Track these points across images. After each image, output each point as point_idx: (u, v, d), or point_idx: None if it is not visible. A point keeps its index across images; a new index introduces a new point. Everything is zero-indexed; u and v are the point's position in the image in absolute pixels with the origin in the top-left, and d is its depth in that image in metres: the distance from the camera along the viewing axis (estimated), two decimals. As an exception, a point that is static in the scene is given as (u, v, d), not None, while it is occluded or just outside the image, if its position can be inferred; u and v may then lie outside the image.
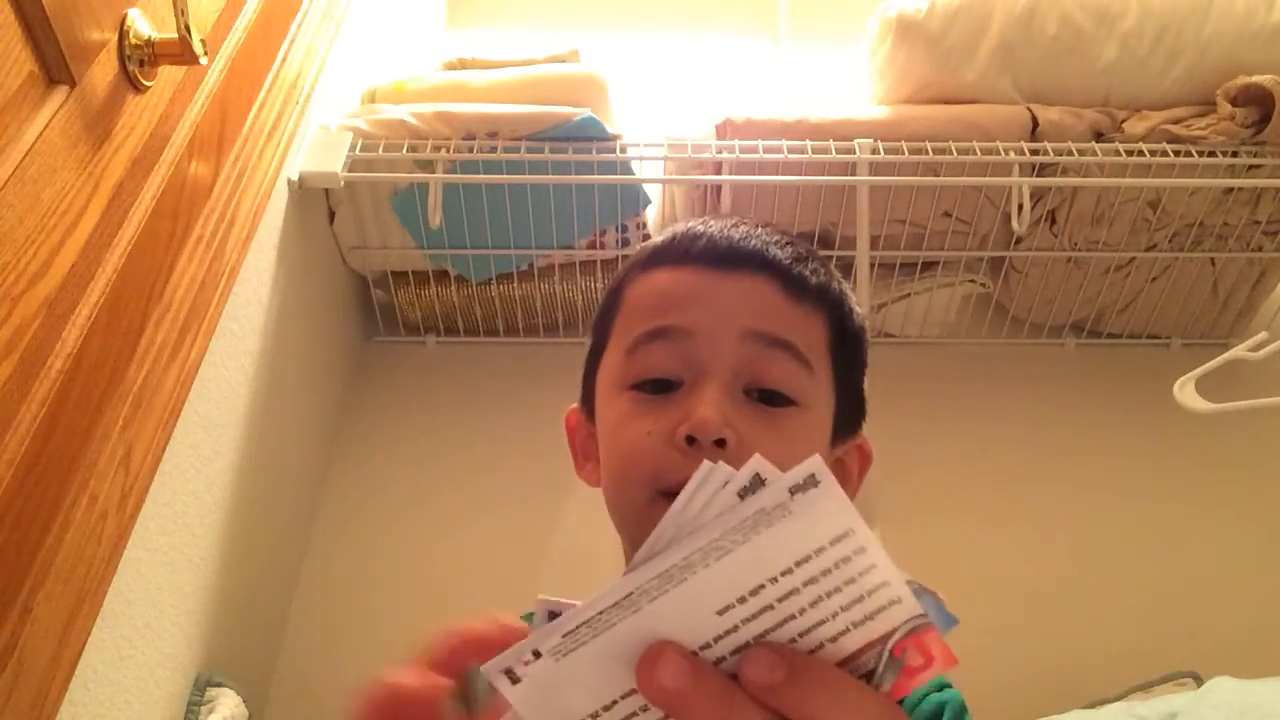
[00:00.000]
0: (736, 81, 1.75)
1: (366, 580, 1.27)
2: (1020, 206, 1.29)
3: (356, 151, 1.25)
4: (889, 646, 0.31)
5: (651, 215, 1.42)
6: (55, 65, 0.70)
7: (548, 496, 1.32)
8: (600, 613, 0.29)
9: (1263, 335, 1.08)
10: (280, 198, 1.16)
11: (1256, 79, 1.26)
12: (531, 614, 0.32)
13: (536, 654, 0.29)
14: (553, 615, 0.29)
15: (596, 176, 1.27)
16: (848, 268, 1.46)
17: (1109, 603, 1.28)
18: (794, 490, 0.29)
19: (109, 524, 0.75)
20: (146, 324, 0.82)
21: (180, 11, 0.78)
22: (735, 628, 0.30)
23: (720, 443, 0.53)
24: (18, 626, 0.65)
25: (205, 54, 0.81)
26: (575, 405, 0.68)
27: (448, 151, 1.26)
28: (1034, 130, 1.31)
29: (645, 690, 0.29)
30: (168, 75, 0.86)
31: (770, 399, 0.57)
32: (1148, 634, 1.24)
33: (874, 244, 1.36)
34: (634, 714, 0.30)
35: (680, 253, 0.61)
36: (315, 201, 1.30)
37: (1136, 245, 1.41)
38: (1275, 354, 1.05)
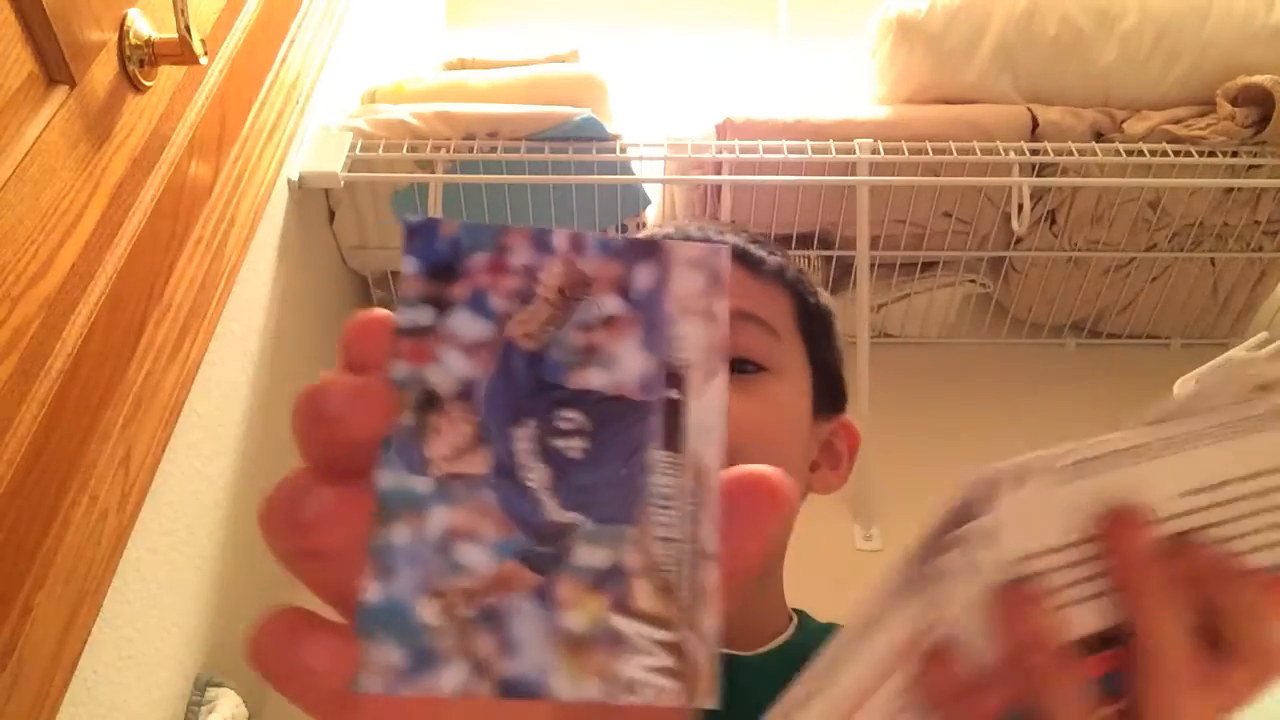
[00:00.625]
0: (737, 80, 1.75)
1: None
2: (1020, 206, 1.29)
3: (356, 151, 1.25)
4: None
5: (651, 215, 1.42)
6: (55, 65, 0.70)
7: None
8: (1114, 452, 0.29)
9: (1263, 335, 1.08)
10: (280, 198, 1.16)
11: (1256, 79, 1.26)
12: None
13: (1048, 469, 0.29)
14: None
15: (596, 176, 1.27)
16: (848, 268, 1.46)
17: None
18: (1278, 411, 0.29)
19: (109, 524, 0.75)
20: (146, 324, 0.82)
21: (180, 11, 0.78)
22: (1184, 513, 0.30)
23: None
24: (18, 626, 0.65)
25: (205, 54, 0.81)
26: None
27: (448, 151, 1.26)
28: (1034, 130, 1.31)
29: (1114, 545, 0.30)
30: (168, 75, 0.86)
31: (740, 368, 0.58)
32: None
33: (874, 244, 1.36)
34: (1069, 565, 0.30)
35: None
36: (315, 201, 1.30)
37: (1136, 245, 1.41)
38: (1275, 354, 1.05)
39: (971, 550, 0.29)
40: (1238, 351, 1.07)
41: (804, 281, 0.64)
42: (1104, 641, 0.32)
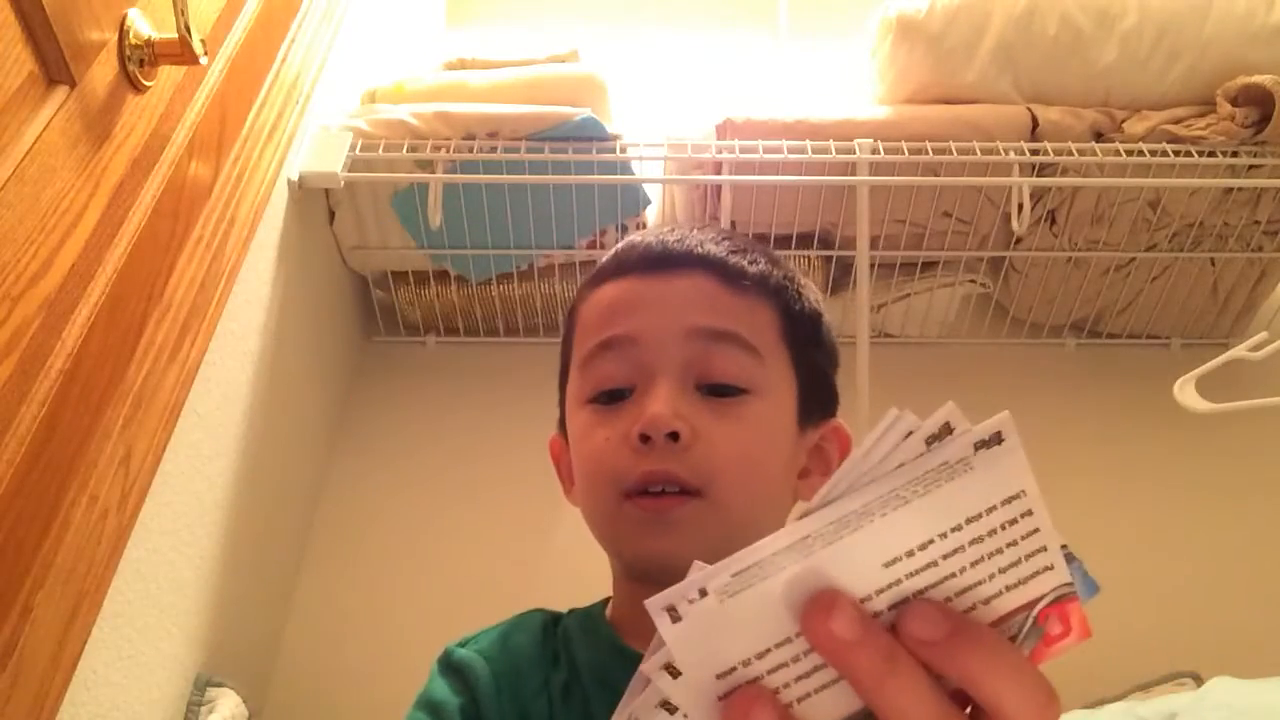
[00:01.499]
0: (737, 80, 1.75)
1: (366, 580, 1.27)
2: (1020, 206, 1.29)
3: (356, 151, 1.25)
4: (1034, 612, 0.31)
5: (651, 215, 1.42)
6: (55, 65, 0.70)
7: (548, 496, 1.31)
8: (773, 554, 0.28)
9: (1263, 335, 1.08)
10: (280, 198, 1.16)
11: (1256, 79, 1.26)
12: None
13: (703, 592, 0.29)
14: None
15: (596, 176, 1.27)
16: (848, 268, 1.46)
17: (1109, 602, 1.26)
18: (979, 445, 0.28)
19: (109, 524, 0.75)
20: (146, 324, 0.82)
21: (180, 11, 0.78)
22: (898, 581, 0.29)
23: (674, 436, 0.54)
24: (18, 626, 0.65)
25: (205, 54, 0.81)
26: (556, 433, 0.69)
27: (448, 151, 1.26)
28: (1034, 130, 1.31)
29: (813, 637, 0.29)
30: (168, 75, 0.86)
31: (722, 391, 0.57)
32: (1148, 634, 1.24)
33: (874, 244, 1.36)
34: (784, 664, 0.30)
35: (619, 265, 0.63)
36: (315, 201, 1.30)
37: (1136, 245, 1.41)
38: (1275, 354, 1.05)
39: (658, 687, 0.29)
40: (1238, 351, 1.07)
41: (789, 288, 0.63)
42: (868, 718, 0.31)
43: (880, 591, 0.29)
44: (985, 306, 1.53)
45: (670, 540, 0.55)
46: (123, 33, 0.78)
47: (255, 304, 1.09)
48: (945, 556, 0.29)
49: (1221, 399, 1.01)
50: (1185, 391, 1.04)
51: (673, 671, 0.29)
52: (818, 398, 0.64)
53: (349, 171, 1.23)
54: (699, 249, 0.61)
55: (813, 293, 0.66)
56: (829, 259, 1.43)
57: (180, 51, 0.81)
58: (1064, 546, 0.31)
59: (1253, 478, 1.39)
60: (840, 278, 1.47)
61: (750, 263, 0.61)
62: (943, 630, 0.29)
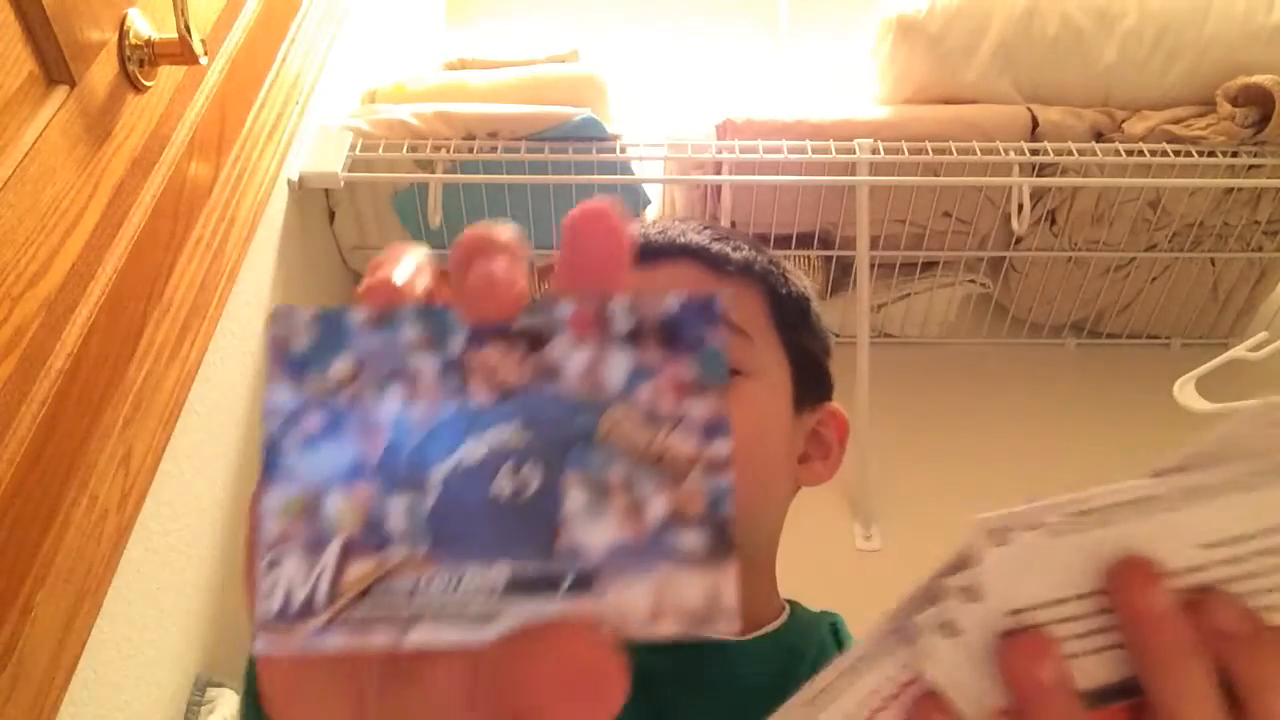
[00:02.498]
0: (737, 80, 1.74)
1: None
2: (1020, 206, 1.29)
3: (356, 151, 1.25)
4: None
5: (651, 215, 1.42)
6: (55, 65, 0.70)
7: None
8: (1116, 504, 0.28)
9: (1263, 335, 1.08)
10: (280, 198, 1.16)
11: (1256, 79, 1.26)
12: None
13: (1037, 524, 0.28)
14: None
15: (596, 176, 1.27)
16: (848, 268, 1.46)
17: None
18: None
19: (109, 524, 0.75)
20: (146, 324, 0.82)
21: (180, 11, 0.78)
22: (1206, 566, 0.29)
23: None
24: (18, 626, 0.65)
25: (205, 54, 0.81)
26: None
27: (448, 151, 1.26)
28: (1034, 130, 1.31)
29: (1125, 601, 0.28)
30: (168, 75, 0.86)
31: None
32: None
33: (874, 244, 1.36)
34: (1072, 618, 0.29)
35: None
36: (315, 201, 1.30)
37: (1136, 245, 1.41)
38: (1275, 354, 1.05)
39: (950, 606, 0.29)
40: (1238, 351, 1.07)
41: (774, 272, 0.63)
42: (1119, 692, 0.30)
43: (1188, 571, 0.29)
44: (985, 306, 1.53)
45: None
46: (123, 33, 0.78)
47: (255, 304, 1.09)
48: (1258, 554, 0.29)
49: (1221, 399, 1.01)
50: (1185, 391, 1.04)
51: (972, 595, 0.28)
52: (812, 381, 0.63)
53: (349, 171, 1.23)
54: (681, 239, 0.61)
55: (799, 278, 0.65)
56: (829, 259, 1.43)
57: (180, 51, 0.81)
58: None
59: (1253, 478, 1.39)
60: (840, 278, 1.47)
61: (734, 249, 0.61)
62: (1248, 628, 0.29)
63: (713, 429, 0.22)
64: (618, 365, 0.22)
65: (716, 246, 0.61)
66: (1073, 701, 0.29)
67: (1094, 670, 0.30)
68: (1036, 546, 0.28)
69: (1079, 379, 1.52)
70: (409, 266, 0.24)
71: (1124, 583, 0.28)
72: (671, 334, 0.22)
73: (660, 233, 0.62)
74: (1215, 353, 1.08)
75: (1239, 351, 1.06)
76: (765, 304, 0.61)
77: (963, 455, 1.42)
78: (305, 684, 0.24)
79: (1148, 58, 1.31)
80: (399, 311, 0.23)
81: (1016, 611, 0.29)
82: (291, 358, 0.22)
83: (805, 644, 0.59)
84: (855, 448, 1.35)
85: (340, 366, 0.22)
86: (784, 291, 0.62)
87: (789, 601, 0.63)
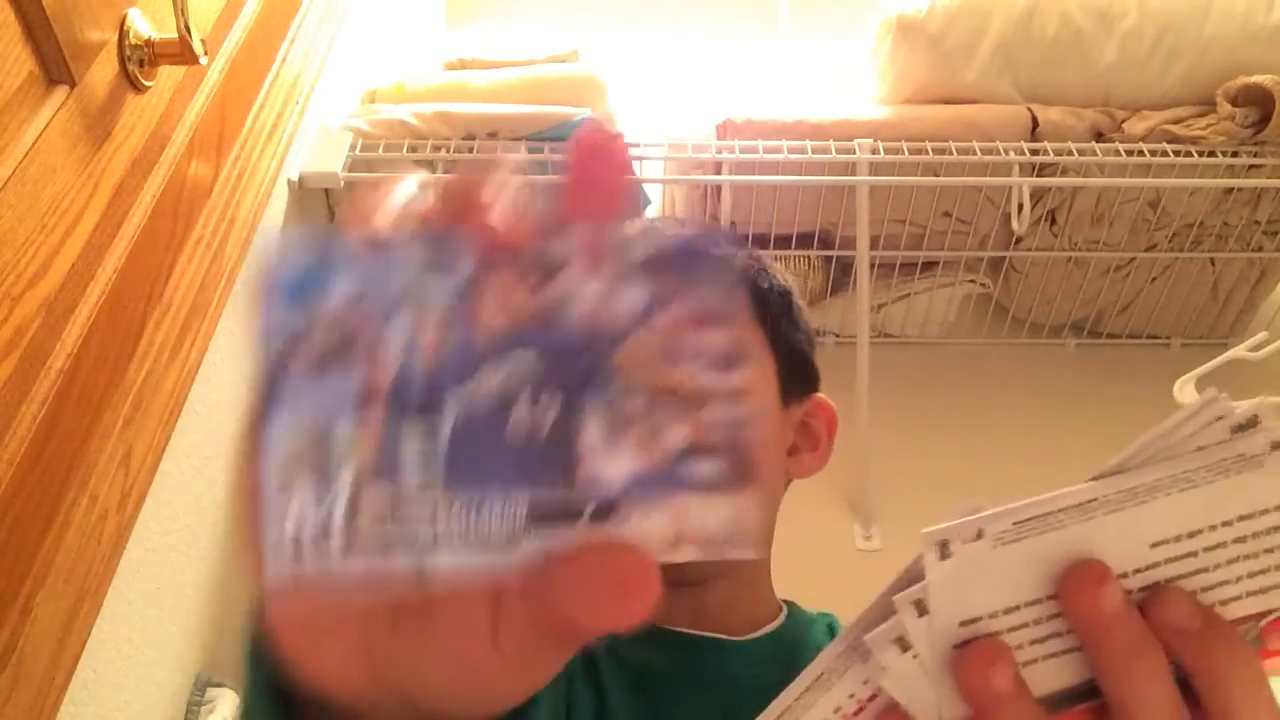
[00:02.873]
0: (737, 80, 1.74)
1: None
2: (1020, 206, 1.29)
3: (356, 151, 1.25)
4: (1262, 624, 0.30)
5: (652, 215, 1.42)
6: (55, 65, 0.70)
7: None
8: (1058, 510, 0.28)
9: (1263, 335, 1.08)
10: (280, 198, 1.16)
11: (1256, 79, 1.26)
12: None
13: (979, 534, 0.28)
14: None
15: (596, 176, 1.27)
16: (848, 268, 1.46)
17: (1109, 603, 1.27)
18: (1275, 445, 0.28)
19: (109, 524, 0.75)
20: (146, 324, 0.82)
21: (180, 11, 0.78)
22: (1157, 564, 0.29)
23: None
24: (18, 626, 0.65)
25: (205, 54, 0.81)
26: None
27: (448, 151, 1.26)
28: (1034, 130, 1.31)
29: (1075, 605, 0.28)
30: (168, 75, 0.86)
31: None
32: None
33: (874, 244, 1.36)
34: (1026, 624, 0.29)
35: None
36: (315, 201, 1.30)
37: (1136, 245, 1.41)
38: (1275, 354, 1.05)
39: (901, 622, 0.29)
40: (1238, 351, 1.07)
41: (754, 267, 0.63)
42: (1080, 695, 0.30)
43: (1138, 570, 0.29)
44: (985, 306, 1.53)
45: None
46: (123, 33, 0.78)
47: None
48: (1208, 549, 0.29)
49: (1221, 399, 1.01)
50: (1185, 391, 1.04)
51: (921, 609, 0.28)
52: (797, 374, 0.63)
53: (349, 171, 1.23)
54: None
55: (779, 272, 0.66)
56: (829, 259, 1.43)
57: (180, 51, 0.81)
58: None
59: (1253, 478, 1.39)
60: (840, 278, 1.47)
61: (713, 245, 0.61)
62: (1199, 622, 0.29)
63: (729, 358, 0.22)
64: (632, 295, 0.22)
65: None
66: (1030, 707, 0.29)
67: (1053, 675, 0.30)
68: (981, 557, 0.28)
69: (1079, 379, 1.52)
70: (408, 188, 0.24)
71: (1074, 586, 0.28)
72: (686, 264, 0.22)
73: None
74: (1215, 353, 1.08)
75: (1239, 351, 1.06)
76: (747, 299, 0.61)
77: (963, 455, 1.42)
78: (315, 617, 0.23)
79: (1148, 58, 1.31)
80: (401, 235, 0.22)
81: (968, 622, 0.29)
82: (288, 281, 0.21)
83: (803, 645, 0.59)
84: (855, 448, 1.35)
85: (342, 289, 0.21)
86: (765, 286, 0.62)
87: (786, 602, 0.63)
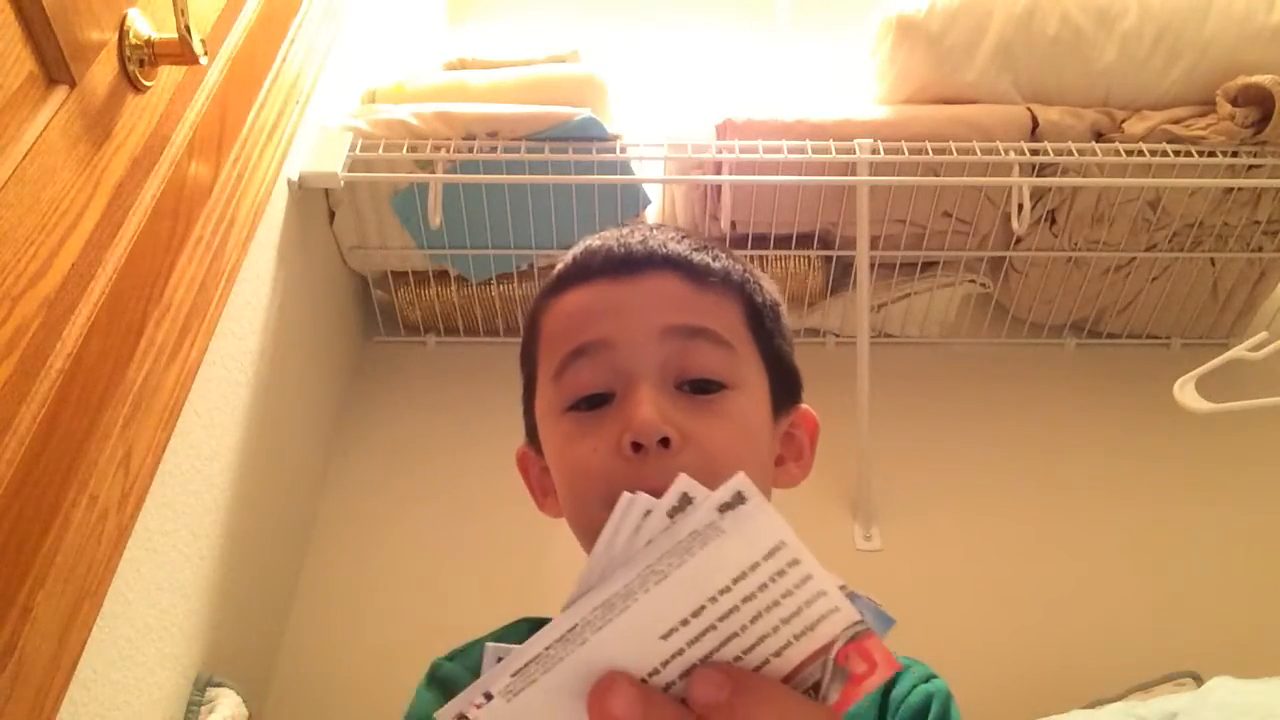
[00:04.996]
0: (737, 80, 1.75)
1: (366, 580, 1.27)
2: (1020, 206, 1.29)
3: (356, 151, 1.25)
4: (832, 655, 0.31)
5: (652, 215, 1.42)
6: (55, 65, 0.70)
7: (548, 496, 1.31)
8: (546, 648, 0.29)
9: (1263, 335, 1.08)
10: (280, 198, 1.16)
11: (1256, 79, 1.26)
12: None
13: (488, 696, 0.29)
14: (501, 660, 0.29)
15: (596, 176, 1.27)
16: (848, 268, 1.46)
17: (1109, 603, 1.28)
18: (723, 508, 0.29)
19: (109, 524, 0.75)
20: (146, 324, 0.82)
21: (180, 11, 0.78)
22: (681, 650, 0.30)
23: (665, 442, 0.53)
24: (18, 626, 0.65)
25: (205, 54, 0.81)
26: (523, 445, 0.69)
27: (448, 151, 1.26)
28: (1034, 130, 1.31)
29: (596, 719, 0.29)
30: (168, 75, 0.86)
31: (702, 388, 0.57)
32: (1148, 634, 1.24)
33: (874, 244, 1.36)
34: None
35: (582, 271, 0.62)
36: (315, 201, 1.30)
37: (1136, 245, 1.41)
38: (1275, 354, 1.05)
39: None
40: (1238, 351, 1.07)
41: (750, 279, 0.63)
42: None
43: (665, 663, 0.30)
44: (985, 306, 1.53)
45: None
46: (123, 33, 0.78)
47: (255, 304, 1.09)
48: (721, 619, 0.30)
49: (1221, 399, 1.01)
50: (1185, 391, 1.04)
51: None
52: (786, 386, 0.64)
53: (349, 171, 1.23)
54: (662, 249, 0.61)
55: (769, 284, 0.66)
56: (829, 259, 1.43)
57: (180, 51, 0.81)
58: (843, 587, 0.31)
59: (1252, 477, 1.39)
60: (840, 278, 1.47)
61: (714, 259, 0.62)
62: (726, 690, 0.30)
63: None
64: None
65: (698, 257, 0.61)
66: None
67: None
68: (503, 711, 0.29)
69: (1079, 379, 1.52)
70: None
71: (591, 704, 0.29)
72: None
73: (641, 242, 0.62)
74: (1215, 353, 1.08)
75: (1239, 351, 1.06)
76: (743, 313, 0.61)
77: (963, 455, 1.42)
78: None
79: (1148, 58, 1.31)
80: None
81: None
82: None
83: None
84: (855, 448, 1.35)
85: None
86: (759, 300, 0.63)
87: None
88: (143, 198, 0.81)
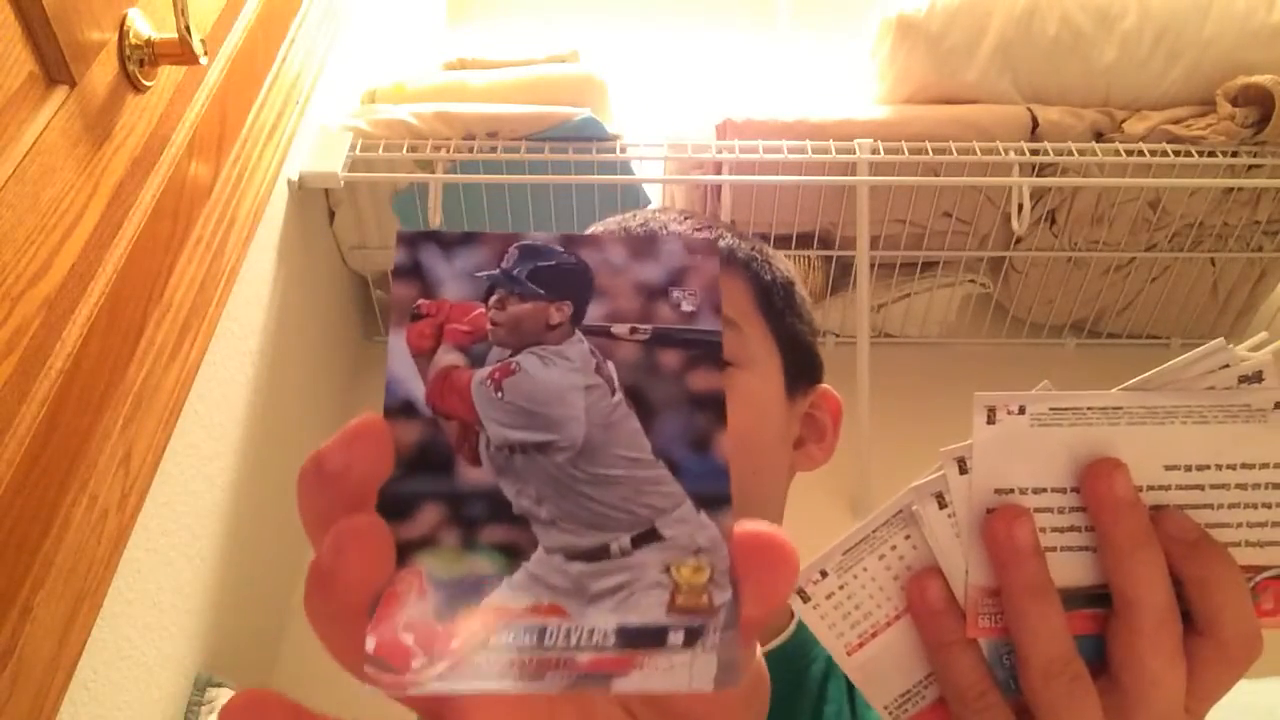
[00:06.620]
0: (737, 80, 1.75)
1: (366, 580, 1.27)
2: (1020, 206, 1.29)
3: (356, 151, 1.25)
4: (1256, 580, 0.32)
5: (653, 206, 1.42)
6: (55, 65, 0.70)
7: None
8: (1088, 408, 0.31)
9: (1263, 335, 1.07)
10: (280, 198, 1.16)
11: (1256, 79, 1.26)
12: None
13: (1022, 409, 0.31)
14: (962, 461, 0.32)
15: (596, 176, 1.27)
16: (848, 268, 1.46)
17: (1109, 603, 1.27)
18: (1278, 405, 0.31)
19: (109, 524, 0.75)
20: (146, 324, 0.82)
21: (180, 11, 0.78)
22: (1167, 487, 0.32)
23: None
24: (18, 626, 0.65)
25: (205, 54, 0.81)
26: None
27: (448, 151, 1.26)
28: (1034, 130, 1.31)
29: (1091, 489, 0.31)
30: (168, 75, 0.86)
31: None
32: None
33: (874, 244, 1.36)
34: (1050, 510, 0.32)
35: None
36: (315, 201, 1.30)
37: (1136, 245, 1.41)
38: (1275, 354, 1.05)
39: (942, 478, 0.32)
40: (1238, 351, 1.07)
41: (758, 258, 0.62)
42: (1086, 600, 0.32)
43: (1150, 488, 0.32)
44: (985, 306, 1.53)
45: None
46: (123, 33, 0.78)
47: (255, 304, 1.09)
48: (1213, 486, 0.32)
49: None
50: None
51: (962, 467, 0.32)
52: (802, 365, 0.63)
53: (349, 171, 1.23)
54: (664, 231, 0.61)
55: (782, 263, 0.65)
56: (829, 259, 1.43)
57: (180, 51, 0.81)
58: None
59: (1253, 478, 1.39)
60: (840, 278, 1.47)
61: (717, 238, 0.61)
62: (1195, 534, 0.31)
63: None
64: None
65: (699, 236, 0.60)
66: (1044, 568, 0.31)
67: (1066, 569, 0.32)
68: (1021, 431, 0.31)
69: (1079, 379, 1.52)
70: None
71: (1093, 470, 0.31)
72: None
73: (642, 225, 0.61)
74: (1215, 353, 1.08)
75: (1239, 351, 1.06)
76: (751, 291, 0.60)
77: (963, 455, 1.42)
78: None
79: (1148, 58, 1.31)
80: None
81: (1001, 491, 0.32)
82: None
83: (812, 655, 0.59)
84: (855, 448, 1.35)
85: None
86: (768, 278, 0.62)
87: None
88: (143, 198, 0.81)
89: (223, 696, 0.95)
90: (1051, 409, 0.31)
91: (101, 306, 0.74)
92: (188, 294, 0.88)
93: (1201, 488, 0.32)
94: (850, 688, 0.57)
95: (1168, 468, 0.31)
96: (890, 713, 0.34)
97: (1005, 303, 1.52)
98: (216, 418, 1.00)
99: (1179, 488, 0.32)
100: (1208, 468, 0.31)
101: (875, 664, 0.34)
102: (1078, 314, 1.51)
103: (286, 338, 1.18)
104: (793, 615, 0.61)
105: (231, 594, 1.05)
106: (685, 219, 0.62)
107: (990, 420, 0.31)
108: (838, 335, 1.51)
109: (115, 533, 0.77)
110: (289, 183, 1.19)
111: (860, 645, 0.34)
